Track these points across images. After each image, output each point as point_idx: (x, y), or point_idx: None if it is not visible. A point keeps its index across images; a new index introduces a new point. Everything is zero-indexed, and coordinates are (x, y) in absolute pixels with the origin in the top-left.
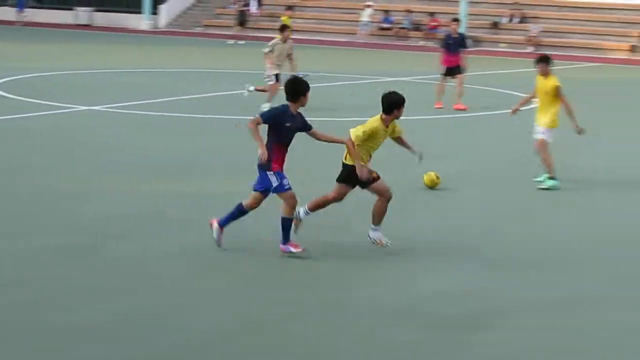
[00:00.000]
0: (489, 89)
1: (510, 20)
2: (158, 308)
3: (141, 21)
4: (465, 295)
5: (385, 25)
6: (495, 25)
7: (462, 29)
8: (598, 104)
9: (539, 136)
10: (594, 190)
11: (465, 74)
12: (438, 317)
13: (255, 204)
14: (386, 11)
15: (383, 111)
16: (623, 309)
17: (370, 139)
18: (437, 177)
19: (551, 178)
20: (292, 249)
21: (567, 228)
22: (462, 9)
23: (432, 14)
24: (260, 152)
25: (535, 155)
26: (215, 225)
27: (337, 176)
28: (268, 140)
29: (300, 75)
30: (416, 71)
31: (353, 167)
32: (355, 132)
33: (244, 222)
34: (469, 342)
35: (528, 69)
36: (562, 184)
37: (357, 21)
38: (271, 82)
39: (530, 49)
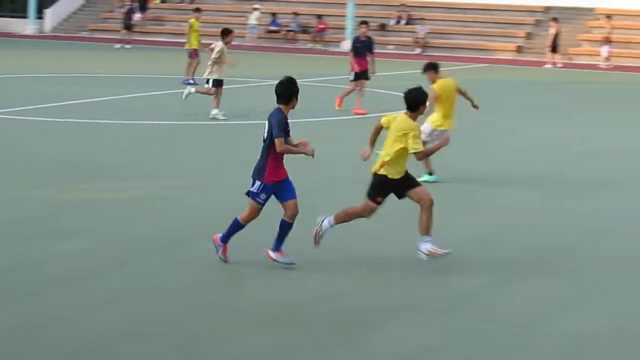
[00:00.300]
0: (379, 91)
1: (398, 22)
2: (34, 318)
3: (26, 26)
4: (353, 295)
5: (273, 28)
6: (382, 27)
7: (348, 31)
8: (487, 104)
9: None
10: (480, 188)
11: (370, 79)
12: (324, 317)
13: (253, 217)
14: (274, 14)
15: (408, 109)
16: (512, 303)
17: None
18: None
19: (430, 173)
20: (280, 259)
21: (459, 228)
22: (349, 12)
23: (319, 16)
24: (307, 150)
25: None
26: (219, 242)
27: (367, 190)
28: (265, 151)
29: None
30: (305, 74)
31: (384, 177)
32: (419, 147)
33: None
34: (364, 341)
35: (416, 70)
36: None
37: (245, 24)
38: (209, 87)
39: (417, 51)
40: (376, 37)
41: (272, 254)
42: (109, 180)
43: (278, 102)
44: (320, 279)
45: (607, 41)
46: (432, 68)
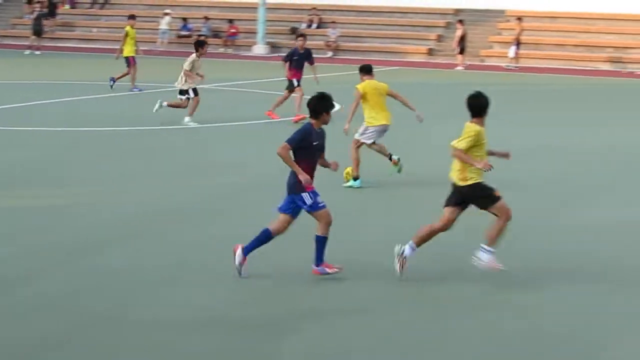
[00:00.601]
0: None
1: (309, 26)
2: None
3: None
4: (264, 302)
5: (184, 33)
6: (294, 31)
7: (260, 35)
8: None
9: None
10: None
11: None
12: (237, 324)
13: (284, 228)
14: (184, 19)
15: (474, 115)
16: (418, 309)
17: (477, 147)
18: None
19: (355, 178)
20: (328, 270)
21: (373, 227)
22: (261, 15)
23: (230, 20)
24: (301, 177)
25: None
26: (239, 251)
27: (445, 200)
28: (296, 161)
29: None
30: (217, 78)
31: (464, 188)
32: (459, 145)
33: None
34: (277, 348)
35: (328, 74)
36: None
37: (157, 29)
38: (183, 97)
39: (329, 54)
40: (287, 41)
41: (317, 269)
42: (25, 188)
43: (310, 117)
44: (233, 286)
45: (517, 42)
46: (361, 70)
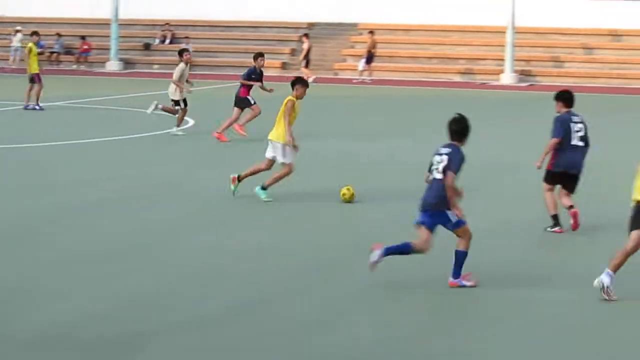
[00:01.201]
0: (142, 110)
1: (163, 42)
2: None
3: None
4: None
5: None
6: (147, 47)
7: (113, 51)
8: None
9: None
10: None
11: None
12: (90, 340)
13: (427, 248)
14: (36, 34)
15: (455, 139)
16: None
17: None
18: (348, 190)
19: (264, 188)
20: (466, 283)
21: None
22: (113, 32)
23: (83, 37)
24: (457, 212)
25: None
26: (379, 251)
27: (632, 222)
28: (441, 183)
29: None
30: (71, 95)
31: None
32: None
33: None
34: None
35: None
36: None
37: (8, 47)
38: (178, 107)
39: None
40: (141, 57)
41: (455, 281)
42: None
43: (453, 139)
44: (87, 300)
45: (368, 55)
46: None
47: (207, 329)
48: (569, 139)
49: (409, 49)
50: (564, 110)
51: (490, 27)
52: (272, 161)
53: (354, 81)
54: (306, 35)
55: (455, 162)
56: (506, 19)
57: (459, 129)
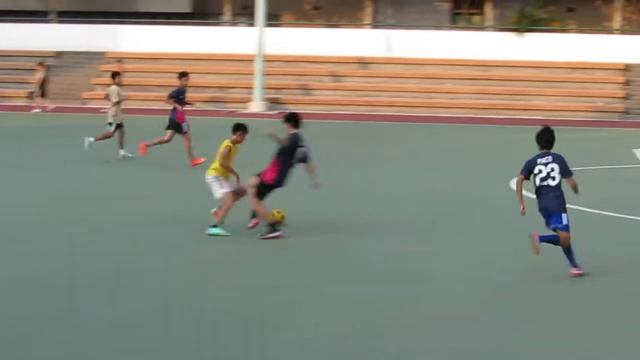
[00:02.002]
0: None
1: None
2: None
3: None
4: None
5: None
6: None
7: None
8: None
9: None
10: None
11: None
12: None
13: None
14: None
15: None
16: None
17: None
18: (278, 212)
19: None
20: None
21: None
22: None
23: None
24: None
25: None
26: (536, 238)
27: None
28: (559, 187)
29: None
30: None
31: None
32: None
33: None
34: None
35: None
36: None
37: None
38: (111, 129)
39: None
40: None
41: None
42: None
43: (544, 148)
44: None
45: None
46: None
47: None
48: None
49: (158, 78)
50: (293, 130)
51: (240, 55)
52: (235, 192)
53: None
54: (41, 64)
55: (567, 165)
56: (255, 47)
57: (552, 138)
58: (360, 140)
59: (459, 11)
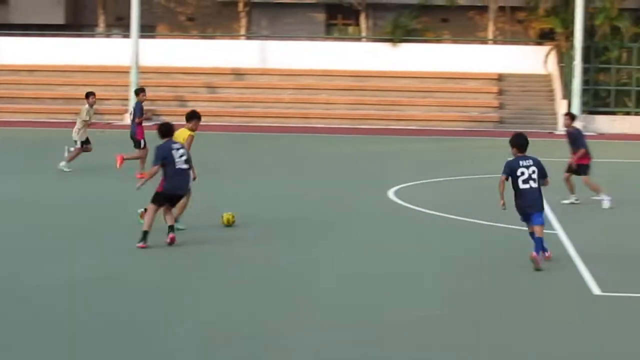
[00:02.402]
0: None
1: None
2: None
3: None
4: None
5: None
6: None
7: None
8: None
9: None
10: None
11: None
12: None
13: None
14: None
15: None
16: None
17: None
18: (233, 217)
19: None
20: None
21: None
22: None
23: None
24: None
25: None
26: (535, 255)
27: None
28: (539, 187)
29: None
30: None
31: None
32: None
33: None
34: None
35: None
36: None
37: None
38: (78, 147)
39: None
40: None
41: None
42: None
43: (521, 151)
44: None
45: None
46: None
47: None
48: (174, 164)
49: (33, 90)
50: (166, 139)
51: (115, 66)
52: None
53: None
54: None
55: (543, 168)
56: (130, 58)
57: (527, 142)
58: (235, 151)
59: (333, 22)
